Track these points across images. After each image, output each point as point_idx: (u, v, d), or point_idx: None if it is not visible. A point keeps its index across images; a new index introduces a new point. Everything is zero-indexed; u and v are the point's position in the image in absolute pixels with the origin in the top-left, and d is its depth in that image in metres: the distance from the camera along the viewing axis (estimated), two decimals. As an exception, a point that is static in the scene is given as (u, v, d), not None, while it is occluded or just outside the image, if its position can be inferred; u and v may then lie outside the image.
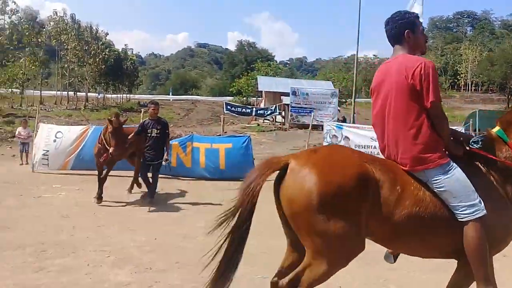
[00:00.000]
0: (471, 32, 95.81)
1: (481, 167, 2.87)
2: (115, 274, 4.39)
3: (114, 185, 7.92)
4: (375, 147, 11.73)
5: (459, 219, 2.65)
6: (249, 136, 12.57)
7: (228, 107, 30.67)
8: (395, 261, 3.32)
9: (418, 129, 2.71)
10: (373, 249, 5.68)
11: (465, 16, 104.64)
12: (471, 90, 71.43)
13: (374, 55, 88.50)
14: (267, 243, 5.74)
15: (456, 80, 72.66)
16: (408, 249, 2.91)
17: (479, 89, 72.65)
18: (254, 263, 4.92)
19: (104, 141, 8.04)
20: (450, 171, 2.69)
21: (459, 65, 70.78)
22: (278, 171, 2.77)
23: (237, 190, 2.82)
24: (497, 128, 2.99)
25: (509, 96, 57.90)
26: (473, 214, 2.62)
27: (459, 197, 2.65)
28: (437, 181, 2.68)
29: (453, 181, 2.67)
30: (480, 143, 2.91)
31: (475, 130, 13.49)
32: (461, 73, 69.91)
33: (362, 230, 2.62)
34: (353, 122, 25.53)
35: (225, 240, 2.78)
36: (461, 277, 2.83)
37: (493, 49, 69.24)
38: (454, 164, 2.74)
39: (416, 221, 2.64)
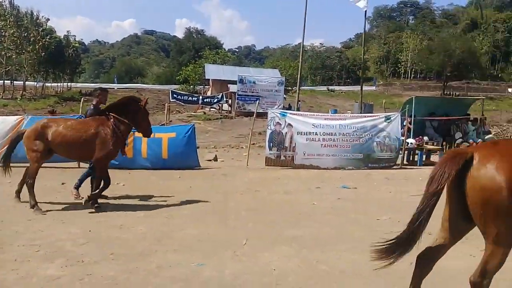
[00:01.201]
0: (413, 21, 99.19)
1: None
2: (45, 268, 4.26)
3: (45, 178, 7.55)
4: (316, 134, 11.91)
5: None
6: (193, 125, 12.46)
7: (174, 95, 30.26)
8: None
9: None
10: (303, 234, 5.77)
11: (408, 5, 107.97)
12: (410, 77, 74.33)
13: (320, 44, 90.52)
14: (206, 231, 5.77)
15: (397, 68, 75.27)
16: None
17: (418, 76, 75.77)
18: (191, 250, 4.95)
19: (120, 131, 6.92)
20: None
21: (400, 53, 73.19)
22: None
23: (427, 179, 3.04)
24: None
25: (445, 83, 60.91)
26: None
27: None
28: None
29: None
30: None
31: (411, 116, 13.97)
32: (402, 61, 72.43)
33: None
34: (298, 110, 25.97)
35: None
36: None
37: (433, 38, 71.87)
38: None
39: None
